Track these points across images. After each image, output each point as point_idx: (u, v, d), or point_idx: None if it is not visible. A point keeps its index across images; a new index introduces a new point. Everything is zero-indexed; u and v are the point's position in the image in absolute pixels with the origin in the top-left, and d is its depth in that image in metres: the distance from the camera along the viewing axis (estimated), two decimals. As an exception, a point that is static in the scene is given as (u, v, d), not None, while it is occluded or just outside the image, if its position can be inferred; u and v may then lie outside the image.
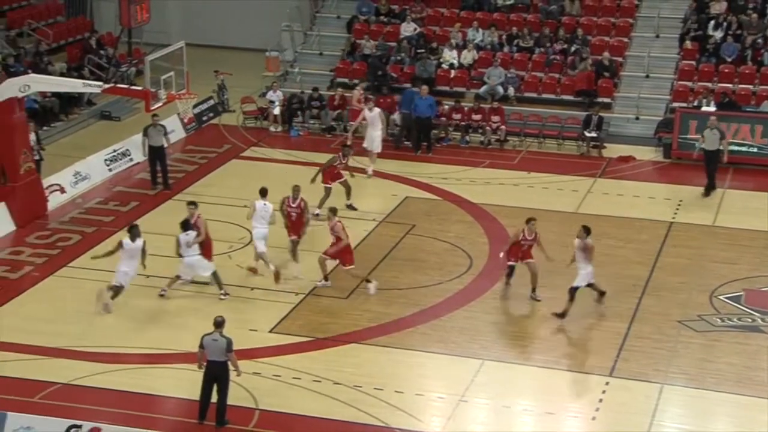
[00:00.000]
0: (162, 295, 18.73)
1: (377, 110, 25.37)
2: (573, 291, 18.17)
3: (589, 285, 18.39)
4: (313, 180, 22.24)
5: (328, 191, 22.15)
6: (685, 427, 15.76)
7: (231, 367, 15.13)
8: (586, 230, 18.33)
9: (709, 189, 24.13)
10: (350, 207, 22.57)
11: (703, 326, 18.25)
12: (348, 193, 22.63)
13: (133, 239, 18.07)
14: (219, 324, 15.14)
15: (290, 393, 16.08)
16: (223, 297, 18.74)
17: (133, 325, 17.90)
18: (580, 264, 18.29)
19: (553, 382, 16.70)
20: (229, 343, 15.01)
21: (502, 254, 19.41)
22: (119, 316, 18.20)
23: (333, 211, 19.31)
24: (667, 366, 17.01)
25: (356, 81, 29.10)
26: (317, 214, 21.50)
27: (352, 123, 26.60)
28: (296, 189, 19.88)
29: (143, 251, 18.17)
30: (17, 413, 14.73)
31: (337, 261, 19.29)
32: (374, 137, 25.04)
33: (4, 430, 14.42)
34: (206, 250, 18.87)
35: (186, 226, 18.59)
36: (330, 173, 22.42)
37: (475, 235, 21.82)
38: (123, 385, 16.16)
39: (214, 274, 18.74)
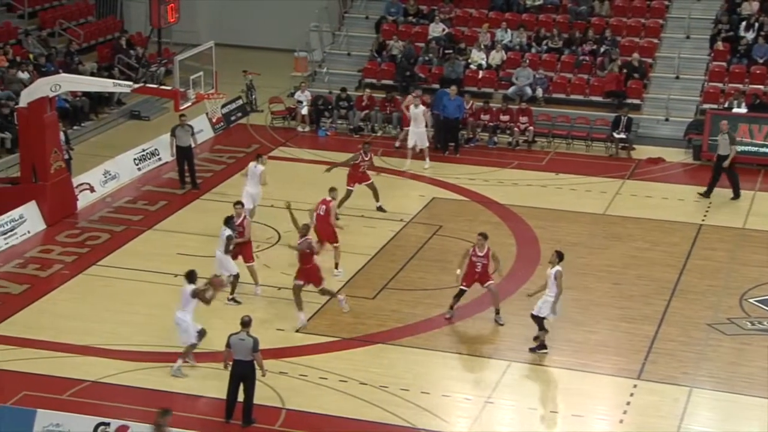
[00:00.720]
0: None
1: (422, 108, 25.29)
2: (540, 320, 17.15)
3: (543, 319, 17.09)
4: (328, 170, 22.23)
5: (348, 193, 22.05)
6: (713, 430, 15.64)
7: (257, 367, 15.16)
8: (560, 256, 17.08)
9: (738, 192, 23.91)
10: (380, 209, 22.53)
11: (733, 329, 18.10)
12: (375, 196, 22.56)
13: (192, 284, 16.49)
14: (246, 324, 15.18)
15: (317, 393, 16.10)
16: (228, 302, 18.48)
17: (161, 324, 17.97)
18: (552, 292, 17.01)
19: (580, 385, 16.62)
20: (256, 342, 15.04)
21: (459, 271, 17.94)
22: (147, 315, 18.31)
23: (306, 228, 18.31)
24: (696, 369, 16.90)
25: (385, 81, 29.19)
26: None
27: (406, 128, 26.00)
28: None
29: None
30: (46, 410, 14.85)
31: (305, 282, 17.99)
32: (419, 134, 25.07)
33: (34, 428, 14.53)
34: (246, 249, 18.91)
35: (228, 222, 18.57)
36: (354, 175, 22.24)
37: (503, 236, 21.74)
38: (151, 384, 16.26)
39: (236, 277, 18.61)
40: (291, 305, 18.73)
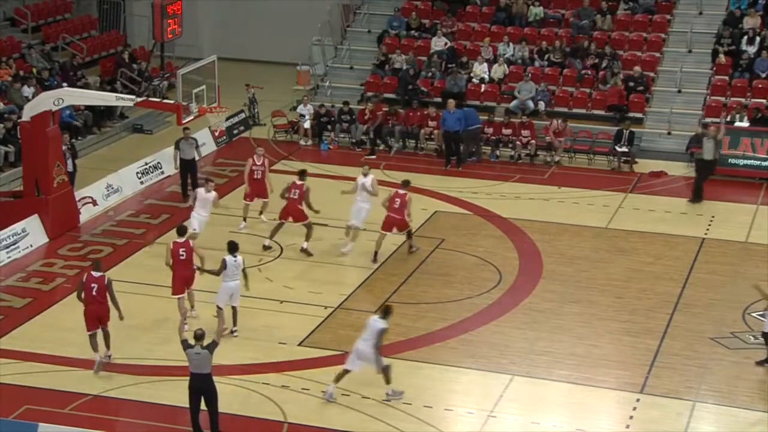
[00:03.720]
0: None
1: (371, 177, 21.48)
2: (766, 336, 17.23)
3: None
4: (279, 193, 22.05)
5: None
6: (717, 445, 15.63)
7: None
8: None
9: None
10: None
11: (736, 343, 18.07)
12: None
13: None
14: (199, 337, 14.84)
15: (319, 407, 16.08)
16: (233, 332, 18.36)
17: (164, 338, 17.97)
18: None
19: (583, 399, 16.59)
20: (212, 349, 14.73)
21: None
22: (149, 329, 18.29)
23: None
24: (699, 383, 16.86)
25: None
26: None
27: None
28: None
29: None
30: (48, 424, 14.84)
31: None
32: (355, 210, 21.41)
33: (35, 441, 14.54)
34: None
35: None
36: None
37: (505, 250, 21.76)
38: (153, 398, 16.22)
39: None
40: (294, 318, 18.75)
